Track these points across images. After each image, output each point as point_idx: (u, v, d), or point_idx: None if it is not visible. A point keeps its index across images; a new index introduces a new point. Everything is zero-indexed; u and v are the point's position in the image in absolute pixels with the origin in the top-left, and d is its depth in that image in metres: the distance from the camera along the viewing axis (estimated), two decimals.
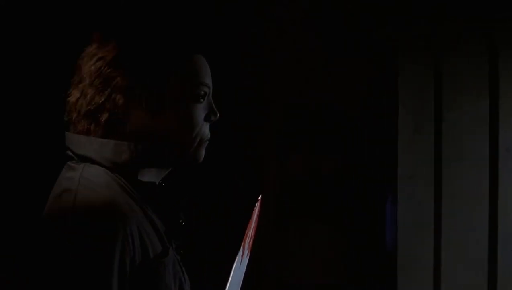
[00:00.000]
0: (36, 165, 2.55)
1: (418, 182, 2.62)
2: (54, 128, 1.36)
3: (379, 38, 2.68)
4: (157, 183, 1.29)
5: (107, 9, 2.34)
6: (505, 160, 2.55)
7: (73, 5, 2.62)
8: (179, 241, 1.28)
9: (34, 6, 2.64)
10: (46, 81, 2.52)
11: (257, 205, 1.50)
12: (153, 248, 1.16)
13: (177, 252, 1.27)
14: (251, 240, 1.46)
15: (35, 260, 1.09)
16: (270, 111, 2.87)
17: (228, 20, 2.83)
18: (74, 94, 1.22)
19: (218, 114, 1.30)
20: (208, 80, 1.28)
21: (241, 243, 1.45)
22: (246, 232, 1.47)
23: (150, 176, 1.25)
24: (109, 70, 1.19)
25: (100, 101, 1.19)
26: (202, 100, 1.26)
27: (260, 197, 1.51)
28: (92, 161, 1.20)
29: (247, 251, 1.45)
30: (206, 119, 1.28)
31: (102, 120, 1.20)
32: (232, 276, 1.42)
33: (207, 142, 1.30)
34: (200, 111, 1.26)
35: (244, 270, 1.43)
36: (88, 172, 1.18)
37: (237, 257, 1.44)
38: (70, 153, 1.23)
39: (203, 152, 1.29)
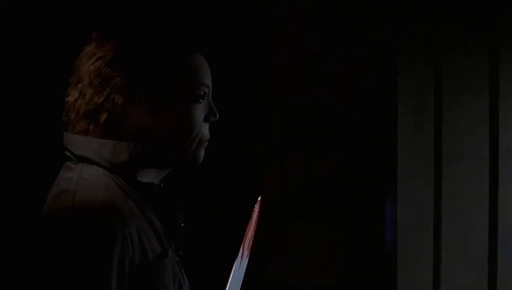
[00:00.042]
0: (34, 165, 2.55)
1: (418, 182, 2.62)
2: (52, 128, 1.36)
3: (379, 38, 2.67)
4: (156, 183, 1.29)
5: (107, 9, 2.34)
6: (505, 160, 2.54)
7: (73, 5, 2.62)
8: (178, 242, 1.28)
9: (33, 6, 2.64)
10: (44, 81, 2.52)
11: (257, 206, 1.50)
12: (152, 249, 1.16)
13: (176, 253, 1.26)
14: (251, 241, 1.46)
15: (34, 260, 1.09)
16: (270, 111, 2.87)
17: (228, 20, 2.83)
18: (73, 94, 1.22)
19: (218, 115, 1.29)
20: (208, 81, 1.28)
21: (241, 244, 1.45)
22: (246, 233, 1.47)
23: (149, 176, 1.25)
24: (108, 70, 1.19)
25: (99, 101, 1.19)
26: (201, 100, 1.26)
27: (259, 198, 1.50)
28: (90, 162, 1.19)
29: (246, 252, 1.45)
30: (206, 119, 1.28)
31: (101, 120, 1.19)
32: (232, 277, 1.42)
33: (207, 143, 1.29)
34: (200, 111, 1.26)
35: (244, 271, 1.43)
36: (87, 173, 1.17)
37: (236, 259, 1.44)
38: (68, 153, 1.22)
39: (202, 153, 1.29)
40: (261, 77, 2.87)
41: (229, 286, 1.40)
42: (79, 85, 1.21)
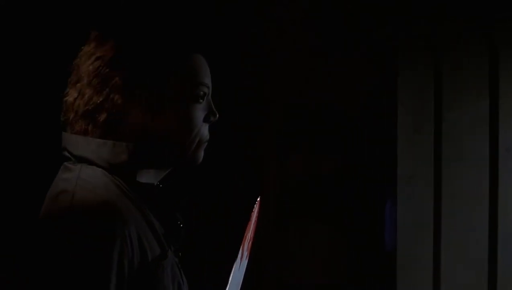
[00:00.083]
0: (33, 165, 2.55)
1: (418, 182, 2.62)
2: (50, 128, 1.36)
3: (379, 38, 2.68)
4: (155, 184, 1.28)
5: (106, 8, 2.34)
6: (505, 160, 2.54)
7: (72, 4, 2.62)
8: (177, 243, 1.27)
9: (33, 6, 2.64)
10: (43, 81, 2.52)
11: (256, 207, 1.49)
12: (151, 250, 1.15)
13: (175, 255, 1.26)
14: (250, 242, 1.46)
15: (33, 261, 1.09)
16: (270, 111, 2.87)
17: (228, 20, 2.83)
18: (72, 94, 1.21)
19: (217, 115, 1.29)
20: (208, 81, 1.28)
21: (240, 245, 1.45)
22: (245, 234, 1.46)
23: (148, 177, 1.25)
24: (107, 69, 1.19)
25: (98, 101, 1.18)
26: (201, 100, 1.26)
27: (258, 199, 1.50)
28: (89, 162, 1.19)
29: (246, 253, 1.44)
30: (205, 120, 1.28)
31: (100, 120, 1.19)
32: (232, 278, 1.42)
33: (206, 143, 1.29)
34: (200, 112, 1.26)
35: (244, 272, 1.43)
36: (86, 173, 1.17)
37: (236, 259, 1.43)
38: (67, 154, 1.22)
39: (202, 153, 1.28)
40: (261, 77, 2.87)
41: (229, 287, 1.40)
42: (78, 85, 1.21)
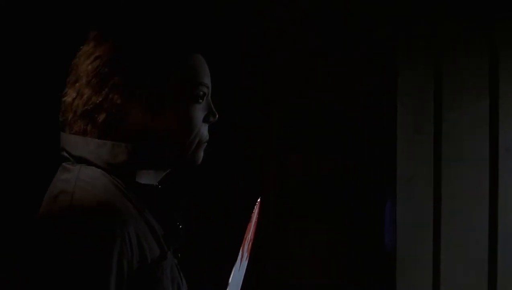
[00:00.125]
0: (31, 166, 2.54)
1: (418, 182, 2.62)
2: (49, 128, 1.35)
3: (379, 38, 2.67)
4: (154, 185, 1.28)
5: (106, 8, 2.34)
6: (505, 160, 2.54)
7: (71, 4, 2.62)
8: (177, 244, 1.27)
9: (32, 6, 2.63)
10: (41, 81, 2.52)
11: (256, 208, 1.49)
12: (151, 251, 1.15)
13: (174, 256, 1.25)
14: (250, 243, 1.45)
15: (33, 261, 1.09)
16: (270, 111, 2.87)
17: (228, 20, 2.83)
18: (70, 94, 1.21)
19: (217, 116, 1.29)
20: (207, 81, 1.27)
21: (240, 246, 1.44)
22: (245, 235, 1.46)
23: (147, 177, 1.24)
24: (106, 69, 1.18)
25: (97, 101, 1.18)
26: (201, 100, 1.26)
27: (259, 200, 1.50)
28: (88, 163, 1.18)
29: (246, 254, 1.44)
30: (205, 120, 1.27)
31: (99, 120, 1.18)
32: (231, 279, 1.42)
33: (206, 144, 1.29)
34: (199, 112, 1.25)
35: (244, 273, 1.42)
36: (85, 174, 1.16)
37: (236, 261, 1.43)
38: (65, 154, 1.21)
39: (201, 154, 1.28)
40: (261, 77, 2.87)
41: (228, 288, 1.40)
42: (77, 85, 1.20)
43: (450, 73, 2.60)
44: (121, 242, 1.08)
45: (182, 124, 1.23)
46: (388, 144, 2.68)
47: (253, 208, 1.49)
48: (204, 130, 1.27)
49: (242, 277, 1.41)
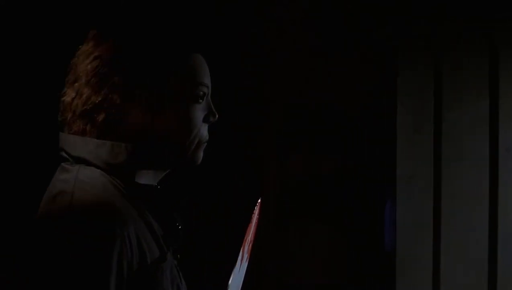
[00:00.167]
0: (29, 166, 2.54)
1: (418, 182, 2.62)
2: (47, 128, 1.35)
3: (379, 38, 2.67)
4: (154, 185, 1.27)
5: (106, 8, 2.34)
6: (505, 160, 2.54)
7: (71, 4, 2.61)
8: (176, 245, 1.26)
9: (31, 5, 2.63)
10: (40, 80, 2.52)
11: (257, 209, 1.49)
12: (150, 252, 1.14)
13: (174, 256, 1.25)
14: (251, 245, 1.45)
15: (33, 261, 1.09)
16: (270, 111, 2.87)
17: (228, 20, 2.82)
18: (69, 94, 1.20)
19: (217, 116, 1.29)
20: (207, 81, 1.27)
21: (241, 247, 1.44)
22: (246, 237, 1.46)
23: (147, 178, 1.24)
24: (106, 69, 1.18)
25: (97, 101, 1.17)
26: (201, 100, 1.25)
27: (259, 201, 1.50)
28: (87, 163, 1.18)
29: (246, 256, 1.44)
30: (205, 120, 1.27)
31: (99, 120, 1.18)
32: (231, 281, 1.41)
33: (206, 144, 1.29)
34: (199, 112, 1.25)
35: (244, 275, 1.42)
36: (84, 174, 1.16)
37: (236, 262, 1.43)
38: (64, 154, 1.21)
39: (201, 154, 1.28)
40: (261, 77, 2.87)
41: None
42: (76, 84, 1.20)
43: (450, 73, 2.60)
44: (121, 242, 1.07)
45: (182, 124, 1.22)
46: (388, 144, 2.68)
47: (253, 208, 1.49)
48: (204, 131, 1.27)
49: (242, 279, 1.41)
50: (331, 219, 2.79)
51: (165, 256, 1.18)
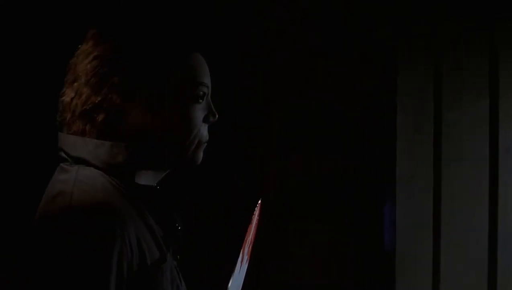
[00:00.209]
0: (28, 166, 2.53)
1: (417, 182, 2.62)
2: (46, 129, 1.34)
3: (379, 38, 2.67)
4: (153, 185, 1.27)
5: (106, 7, 2.34)
6: (505, 160, 2.54)
7: (70, 3, 2.61)
8: (176, 246, 1.26)
9: (31, 5, 2.63)
10: (38, 80, 2.52)
11: (257, 210, 1.49)
12: (150, 253, 1.14)
13: (173, 257, 1.25)
14: (251, 246, 1.45)
15: (33, 261, 1.09)
16: (270, 111, 2.87)
17: (228, 20, 2.82)
18: (68, 94, 1.20)
19: (217, 116, 1.29)
20: (207, 80, 1.27)
21: (241, 248, 1.44)
22: (246, 238, 1.45)
23: (146, 178, 1.24)
24: (106, 69, 1.18)
25: (96, 101, 1.17)
26: (201, 100, 1.25)
27: (259, 202, 1.49)
28: (87, 163, 1.18)
29: (246, 257, 1.44)
30: (205, 120, 1.27)
31: (98, 120, 1.18)
32: (231, 282, 1.41)
33: (206, 144, 1.29)
34: (199, 112, 1.25)
35: (244, 276, 1.42)
36: (83, 175, 1.16)
37: (236, 264, 1.43)
38: (63, 155, 1.20)
39: (201, 154, 1.28)
40: (261, 77, 2.87)
41: None
42: (75, 84, 1.20)
43: (450, 73, 2.59)
44: (121, 243, 1.07)
45: (182, 124, 1.22)
46: (388, 144, 2.67)
47: (253, 209, 1.49)
48: (204, 131, 1.27)
49: (242, 280, 1.41)
50: (331, 219, 2.78)
51: (165, 257, 1.18)
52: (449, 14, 2.56)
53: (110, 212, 1.10)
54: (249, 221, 1.47)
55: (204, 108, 1.27)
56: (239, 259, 1.43)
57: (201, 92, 1.25)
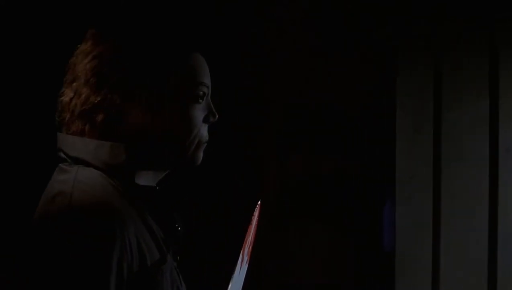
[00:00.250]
0: (27, 167, 2.53)
1: (417, 182, 2.62)
2: (45, 129, 1.34)
3: (379, 38, 2.67)
4: (153, 186, 1.27)
5: (105, 7, 2.33)
6: (505, 160, 2.54)
7: (70, 3, 2.61)
8: (176, 247, 1.26)
9: (31, 5, 2.63)
10: (37, 80, 2.51)
11: (256, 210, 1.48)
12: (150, 253, 1.14)
13: (173, 258, 1.25)
14: (251, 247, 1.44)
15: (33, 261, 1.09)
16: (270, 111, 2.87)
17: (228, 20, 2.82)
18: (67, 94, 1.20)
19: (217, 116, 1.29)
20: (207, 80, 1.27)
21: (241, 249, 1.44)
22: (246, 238, 1.45)
23: (146, 178, 1.23)
24: (105, 69, 1.17)
25: (96, 101, 1.17)
26: (201, 100, 1.25)
27: (259, 202, 1.49)
28: (86, 163, 1.17)
29: (246, 258, 1.43)
30: (205, 120, 1.27)
31: (98, 121, 1.17)
32: (232, 283, 1.41)
33: (206, 144, 1.28)
34: (199, 112, 1.25)
35: (244, 277, 1.42)
36: (83, 175, 1.15)
37: (236, 265, 1.42)
38: (62, 155, 1.20)
39: (201, 155, 1.27)
40: (261, 77, 2.87)
41: None
42: (74, 84, 1.19)
43: (450, 73, 2.59)
44: (121, 243, 1.07)
45: (182, 124, 1.22)
46: (388, 144, 2.67)
47: (253, 209, 1.49)
48: (204, 131, 1.27)
49: (242, 282, 1.40)
50: (331, 219, 2.78)
51: (165, 258, 1.18)
52: (449, 14, 2.56)
53: (110, 212, 1.10)
54: (249, 222, 1.47)
55: (204, 108, 1.26)
56: (239, 260, 1.43)
57: (201, 92, 1.24)
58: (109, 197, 1.14)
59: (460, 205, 2.58)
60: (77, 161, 1.18)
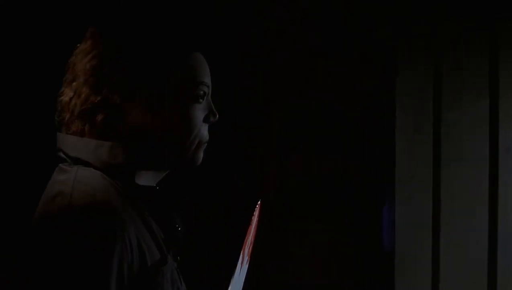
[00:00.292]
0: (27, 167, 2.53)
1: (417, 182, 2.62)
2: (45, 129, 1.34)
3: (379, 38, 2.67)
4: (153, 186, 1.26)
5: (105, 7, 2.33)
6: (505, 160, 2.54)
7: (70, 3, 2.61)
8: (176, 248, 1.26)
9: (30, 4, 2.62)
10: (37, 80, 2.51)
11: (256, 211, 1.48)
12: (150, 254, 1.14)
13: (174, 259, 1.24)
14: (251, 247, 1.44)
15: (33, 261, 1.09)
16: (270, 111, 2.87)
17: (228, 20, 2.82)
18: (67, 94, 1.19)
19: (217, 116, 1.28)
20: (208, 80, 1.27)
21: (241, 249, 1.43)
22: (246, 239, 1.45)
23: (146, 179, 1.23)
24: (105, 68, 1.17)
25: (96, 101, 1.17)
26: (201, 100, 1.25)
27: (259, 202, 1.49)
28: (86, 164, 1.17)
29: (246, 258, 1.43)
30: (205, 120, 1.27)
31: (98, 120, 1.17)
32: (232, 284, 1.41)
33: (206, 144, 1.28)
34: (200, 112, 1.25)
35: (244, 277, 1.42)
36: (82, 175, 1.15)
37: (237, 265, 1.42)
38: (62, 155, 1.20)
39: (201, 155, 1.27)
40: (261, 77, 2.86)
41: None
42: (74, 84, 1.19)
43: (450, 73, 2.59)
44: (122, 243, 1.07)
45: (182, 124, 1.22)
46: (388, 144, 2.67)
47: (253, 209, 1.48)
48: (204, 131, 1.27)
49: (243, 281, 1.40)
50: (331, 219, 2.78)
51: (165, 258, 1.17)
52: (449, 14, 2.56)
53: (110, 213, 1.10)
54: (249, 222, 1.47)
55: (205, 108, 1.26)
56: (239, 261, 1.43)
57: (201, 92, 1.24)
58: (109, 197, 1.14)
59: (460, 205, 2.58)
60: (77, 161, 1.18)
